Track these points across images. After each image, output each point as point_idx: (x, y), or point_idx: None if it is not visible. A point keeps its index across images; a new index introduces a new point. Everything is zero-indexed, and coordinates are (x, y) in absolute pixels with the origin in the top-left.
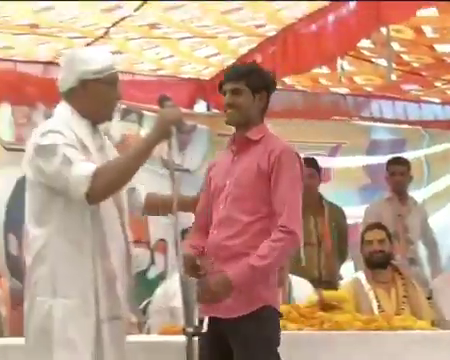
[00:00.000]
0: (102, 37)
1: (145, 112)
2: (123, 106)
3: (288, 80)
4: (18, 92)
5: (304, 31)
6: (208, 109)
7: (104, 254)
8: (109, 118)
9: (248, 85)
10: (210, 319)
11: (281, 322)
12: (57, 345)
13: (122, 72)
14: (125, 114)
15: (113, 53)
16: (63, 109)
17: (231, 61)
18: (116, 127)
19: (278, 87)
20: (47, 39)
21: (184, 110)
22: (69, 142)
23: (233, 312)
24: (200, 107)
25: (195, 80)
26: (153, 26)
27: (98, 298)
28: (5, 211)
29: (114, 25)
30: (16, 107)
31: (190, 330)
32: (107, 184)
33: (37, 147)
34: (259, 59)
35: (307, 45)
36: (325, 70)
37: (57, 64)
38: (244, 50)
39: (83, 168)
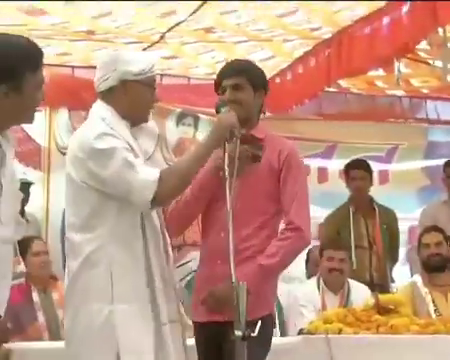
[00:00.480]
0: (158, 42)
1: (201, 116)
2: (179, 110)
3: (343, 83)
4: (75, 97)
5: (359, 33)
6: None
7: (158, 255)
8: (145, 120)
9: (249, 81)
10: (203, 323)
11: (337, 326)
12: (124, 351)
13: (178, 76)
14: (181, 118)
15: (168, 58)
16: (102, 109)
17: (286, 64)
18: (172, 131)
19: (333, 90)
20: (103, 45)
21: None
22: (126, 146)
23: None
24: None
25: None
26: (208, 30)
27: (156, 301)
28: (62, 215)
29: (169, 30)
30: (73, 112)
31: (239, 334)
32: (172, 189)
33: (91, 150)
34: (313, 62)
35: (362, 47)
36: (381, 72)
37: None
38: (299, 53)
39: (148, 172)
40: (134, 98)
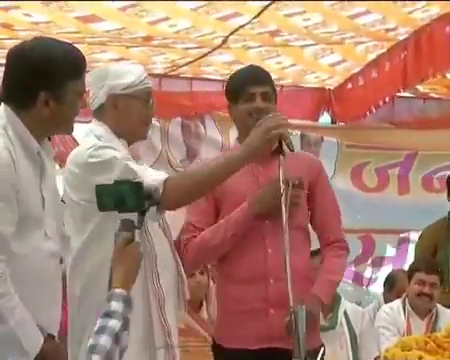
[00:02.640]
0: (220, 46)
1: None
2: None
3: (421, 88)
4: None
5: (439, 33)
6: (333, 122)
7: (154, 278)
8: (142, 137)
9: (273, 91)
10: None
11: (417, 353)
12: None
13: None
14: None
15: (231, 63)
16: (98, 128)
17: (358, 68)
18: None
19: (410, 95)
20: (161, 51)
21: (307, 122)
22: (125, 156)
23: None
24: (324, 119)
25: (319, 90)
26: (274, 33)
27: (152, 325)
28: None
29: (232, 33)
30: None
31: None
32: (182, 193)
33: (88, 165)
34: (388, 65)
35: (443, 48)
36: None
37: (172, 77)
38: (372, 56)
39: (152, 176)
40: (124, 113)
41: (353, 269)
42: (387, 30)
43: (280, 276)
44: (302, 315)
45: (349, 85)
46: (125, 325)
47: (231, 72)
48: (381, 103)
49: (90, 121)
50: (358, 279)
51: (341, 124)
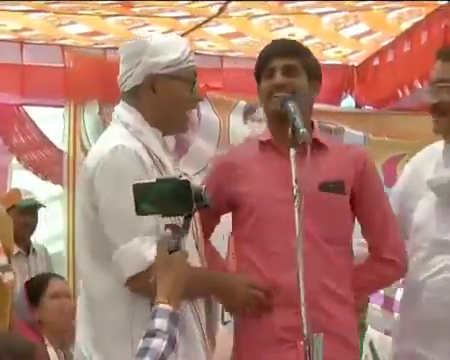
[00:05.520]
0: (217, 15)
1: None
2: (244, 103)
3: None
4: (107, 87)
5: None
6: (357, 106)
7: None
8: (183, 128)
9: (304, 65)
10: None
11: None
12: None
13: (243, 59)
14: (248, 113)
15: (231, 36)
16: (126, 114)
17: (388, 40)
18: (239, 128)
19: None
20: (144, 21)
21: (326, 107)
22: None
23: None
24: (347, 104)
25: (341, 67)
26: None
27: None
28: None
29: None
30: (105, 105)
31: None
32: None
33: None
34: (425, 36)
35: None
36: None
37: None
38: (407, 25)
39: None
40: (166, 98)
41: (382, 292)
42: None
43: (316, 301)
44: (319, 345)
45: (376, 61)
46: (172, 345)
47: (230, 47)
48: (416, 83)
49: (52, 105)
50: (388, 304)
51: (368, 108)
